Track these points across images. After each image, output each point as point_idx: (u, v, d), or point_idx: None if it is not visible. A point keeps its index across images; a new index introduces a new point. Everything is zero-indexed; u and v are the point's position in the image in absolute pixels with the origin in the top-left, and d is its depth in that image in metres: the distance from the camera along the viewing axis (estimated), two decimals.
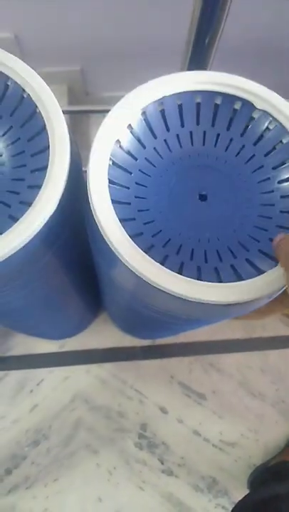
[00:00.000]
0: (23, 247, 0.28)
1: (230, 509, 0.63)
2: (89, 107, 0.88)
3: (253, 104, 0.34)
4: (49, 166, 0.28)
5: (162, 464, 0.77)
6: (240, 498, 0.63)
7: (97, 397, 0.80)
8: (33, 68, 0.31)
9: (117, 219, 0.30)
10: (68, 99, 1.06)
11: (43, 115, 0.29)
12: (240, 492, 0.72)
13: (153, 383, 0.82)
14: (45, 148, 0.29)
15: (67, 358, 0.82)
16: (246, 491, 0.74)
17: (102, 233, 0.29)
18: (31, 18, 0.80)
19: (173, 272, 0.29)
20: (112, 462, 0.76)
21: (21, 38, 0.83)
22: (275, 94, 0.33)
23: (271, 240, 0.32)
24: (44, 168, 0.29)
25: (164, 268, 0.29)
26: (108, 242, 0.29)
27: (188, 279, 0.29)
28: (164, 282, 0.29)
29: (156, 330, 0.55)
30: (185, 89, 0.33)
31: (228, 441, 0.79)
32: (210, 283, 0.29)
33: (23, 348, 0.82)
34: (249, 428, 0.80)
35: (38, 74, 0.31)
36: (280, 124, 0.34)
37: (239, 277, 0.31)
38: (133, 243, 0.29)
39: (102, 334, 0.84)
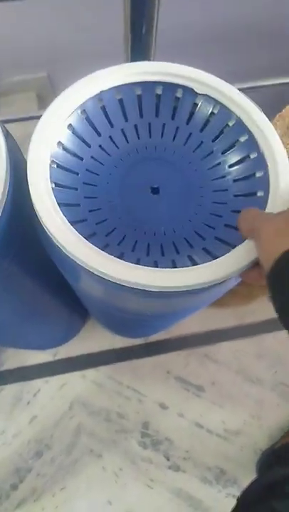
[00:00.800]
0: None
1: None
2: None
3: (193, 89, 0.33)
4: None
5: (168, 460, 0.77)
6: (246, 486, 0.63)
7: (96, 401, 0.80)
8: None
9: (66, 222, 0.29)
10: (38, 106, 1.06)
11: None
12: (249, 479, 0.72)
13: (150, 381, 0.81)
14: None
15: (62, 366, 0.82)
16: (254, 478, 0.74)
17: (53, 239, 0.29)
18: None
19: (132, 264, 0.28)
20: (117, 464, 0.76)
21: None
22: (214, 77, 0.32)
23: (226, 225, 0.32)
24: None
25: (123, 261, 0.28)
26: (61, 247, 0.29)
27: (148, 267, 0.29)
28: (124, 276, 0.28)
29: (139, 328, 0.55)
30: (122, 82, 0.33)
31: (232, 429, 0.79)
32: (166, 269, 0.28)
33: (15, 361, 0.82)
34: (251, 414, 0.80)
35: (5, 83, 0.30)
36: (224, 106, 0.33)
37: None
38: (87, 242, 0.29)
39: (94, 338, 0.84)
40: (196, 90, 0.33)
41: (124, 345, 0.83)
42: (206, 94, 0.33)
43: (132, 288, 0.29)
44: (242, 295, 0.71)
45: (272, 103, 0.40)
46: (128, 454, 0.77)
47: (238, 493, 0.75)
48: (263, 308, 0.87)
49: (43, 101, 1.04)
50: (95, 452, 0.76)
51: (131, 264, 0.28)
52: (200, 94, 0.33)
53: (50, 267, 0.42)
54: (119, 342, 0.83)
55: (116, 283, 0.28)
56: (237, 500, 0.62)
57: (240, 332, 0.86)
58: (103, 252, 0.29)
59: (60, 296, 0.54)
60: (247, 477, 0.76)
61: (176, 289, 0.29)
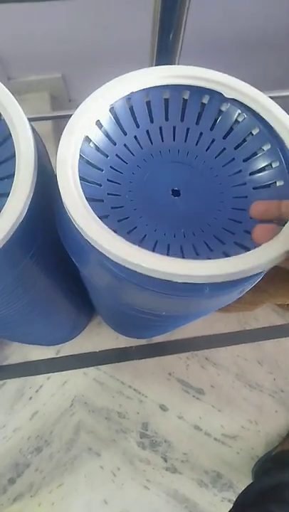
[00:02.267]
0: None
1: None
2: (70, 111, 0.88)
3: (222, 93, 0.34)
4: (16, 173, 0.28)
5: (166, 461, 0.77)
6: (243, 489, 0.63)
7: (97, 400, 0.80)
8: (13, 77, 0.31)
9: (94, 215, 0.30)
10: (51, 106, 1.06)
11: (7, 122, 0.29)
12: (244, 484, 0.72)
13: (151, 382, 0.82)
14: (12, 156, 0.29)
15: (65, 363, 0.82)
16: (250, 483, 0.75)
17: (80, 231, 0.29)
18: (8, 26, 0.80)
19: (152, 252, 0.29)
20: (115, 463, 0.77)
21: None
22: (243, 83, 0.33)
23: (246, 231, 0.33)
24: (11, 176, 0.29)
25: (141, 249, 0.28)
26: (91, 241, 0.29)
27: (170, 257, 0.29)
28: (148, 263, 0.28)
29: (146, 329, 0.55)
30: (152, 85, 0.33)
31: (230, 434, 0.80)
32: (190, 260, 0.29)
33: (19, 356, 0.82)
34: (249, 420, 0.81)
35: (20, 82, 0.31)
36: (252, 112, 0.34)
37: None
38: (114, 234, 0.29)
39: (98, 337, 0.84)
40: (224, 94, 0.34)
41: (127, 345, 0.84)
42: (233, 99, 0.34)
43: (160, 280, 0.28)
44: (246, 301, 0.72)
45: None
46: (126, 453, 0.77)
47: (233, 498, 0.76)
48: (266, 315, 0.87)
49: (57, 101, 1.05)
50: (94, 450, 0.77)
51: (160, 255, 0.28)
52: (228, 98, 0.34)
53: (65, 265, 0.42)
54: (123, 342, 0.84)
55: (145, 275, 0.28)
56: (234, 503, 0.63)
57: (242, 337, 0.86)
58: (134, 244, 0.29)
59: (70, 294, 0.54)
60: (243, 482, 0.77)
61: (201, 280, 0.28)
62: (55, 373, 0.81)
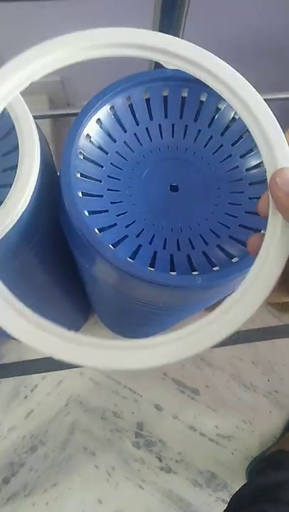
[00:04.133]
0: None
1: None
2: (67, 110, 0.89)
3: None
4: (19, 165, 0.29)
5: (160, 461, 0.77)
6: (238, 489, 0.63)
7: (92, 399, 0.80)
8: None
9: (87, 211, 0.31)
10: (50, 109, 1.07)
11: (11, 115, 0.30)
12: (239, 484, 0.72)
13: (146, 381, 0.82)
14: (15, 148, 0.30)
15: (60, 362, 0.81)
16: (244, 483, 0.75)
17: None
18: (6, 27, 0.80)
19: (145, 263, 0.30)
20: (110, 463, 0.77)
21: None
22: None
23: (241, 225, 0.33)
24: (15, 167, 0.29)
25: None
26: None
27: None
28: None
29: (143, 325, 0.56)
30: (149, 84, 0.34)
31: (224, 434, 0.80)
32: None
33: (15, 355, 0.82)
34: (244, 420, 0.81)
35: None
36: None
37: (211, 262, 0.32)
38: (106, 234, 0.30)
39: (94, 336, 0.84)
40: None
41: None
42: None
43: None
44: None
45: (284, 116, 0.42)
46: (121, 453, 0.77)
47: (227, 498, 0.76)
48: (261, 316, 0.88)
49: (55, 105, 1.06)
50: (89, 450, 0.77)
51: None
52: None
53: (64, 260, 0.43)
54: None
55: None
56: (228, 503, 0.63)
57: (237, 338, 0.87)
58: (120, 245, 0.30)
59: (68, 291, 0.55)
60: (237, 482, 0.77)
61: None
62: (51, 372, 0.81)
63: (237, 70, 0.27)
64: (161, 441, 0.79)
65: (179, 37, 0.27)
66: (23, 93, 0.32)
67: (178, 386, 0.82)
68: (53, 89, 1.02)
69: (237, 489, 0.65)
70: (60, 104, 1.07)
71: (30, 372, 0.81)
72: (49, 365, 0.82)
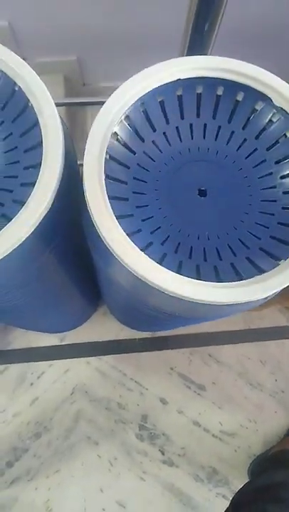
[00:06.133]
0: (19, 246, 0.27)
1: (231, 498, 0.63)
2: (85, 98, 0.86)
3: (256, 90, 0.32)
4: (42, 163, 0.27)
5: (163, 454, 0.78)
6: (240, 487, 0.63)
7: (98, 389, 0.80)
8: (27, 58, 0.30)
9: (113, 216, 0.29)
10: (65, 89, 1.04)
11: (36, 109, 0.28)
12: (240, 481, 0.73)
13: (153, 375, 0.82)
14: (39, 144, 0.28)
15: (68, 351, 0.82)
16: (246, 480, 0.75)
17: (98, 231, 0.28)
18: (26, 5, 0.77)
19: (171, 272, 0.28)
20: (112, 453, 0.77)
21: (15, 26, 0.80)
22: (280, 80, 0.32)
23: (272, 237, 0.32)
24: (38, 165, 0.28)
25: (162, 267, 0.28)
26: (104, 241, 0.29)
27: (188, 279, 0.29)
28: (161, 282, 0.28)
29: (154, 325, 0.55)
30: (185, 76, 0.32)
31: (228, 431, 0.80)
32: (210, 282, 0.28)
33: (23, 342, 0.82)
34: (248, 418, 0.81)
35: (34, 64, 0.29)
36: (286, 112, 0.32)
37: (239, 276, 0.30)
38: (130, 242, 0.29)
39: (102, 327, 0.84)
40: (261, 91, 0.32)
41: (131, 337, 0.84)
42: (268, 97, 0.32)
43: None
44: None
45: None
46: (124, 444, 0.78)
47: (228, 494, 0.77)
48: (272, 316, 0.87)
49: (70, 84, 1.03)
50: (92, 439, 0.77)
51: (172, 273, 0.28)
52: (262, 94, 0.32)
53: (81, 259, 0.42)
54: (127, 333, 0.84)
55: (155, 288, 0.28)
56: (230, 501, 0.63)
57: (247, 336, 0.86)
58: (144, 254, 0.29)
59: (81, 287, 0.54)
60: (238, 479, 0.77)
61: (216, 303, 0.28)
62: (58, 361, 0.81)
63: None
64: (165, 435, 0.79)
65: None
66: (39, 72, 0.30)
67: (184, 381, 0.82)
68: (68, 69, 0.99)
69: (238, 486, 0.65)
70: (75, 83, 1.03)
71: (37, 359, 0.81)
72: (57, 353, 0.82)
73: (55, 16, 0.80)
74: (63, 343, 0.82)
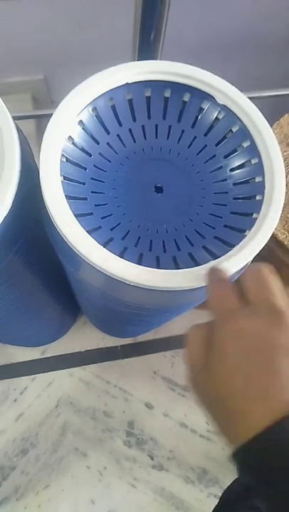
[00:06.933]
0: None
1: None
2: (53, 110, 0.88)
3: (201, 91, 0.34)
4: None
5: (152, 459, 0.78)
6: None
7: (82, 400, 0.80)
8: None
9: (72, 214, 0.30)
10: (33, 108, 1.05)
11: None
12: (229, 479, 0.73)
13: (137, 380, 0.82)
14: None
15: (50, 364, 0.82)
16: (235, 477, 0.76)
17: (57, 230, 0.30)
18: None
19: (131, 263, 0.30)
20: (102, 463, 0.76)
21: None
22: (222, 80, 0.34)
23: (226, 226, 0.34)
24: None
25: (123, 259, 0.30)
26: (65, 239, 0.30)
27: (148, 268, 0.30)
28: (123, 274, 0.29)
29: (131, 325, 0.56)
30: (133, 80, 0.34)
31: (215, 430, 0.80)
32: (168, 270, 0.30)
33: (3, 358, 0.81)
34: None
35: (2, 84, 0.30)
36: (230, 111, 0.35)
37: (196, 263, 0.32)
38: (91, 238, 0.30)
39: (83, 337, 0.84)
40: (206, 92, 0.34)
41: (113, 344, 0.84)
42: (212, 97, 0.34)
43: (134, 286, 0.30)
44: None
45: (270, 112, 0.42)
46: (113, 453, 0.77)
47: (219, 493, 0.77)
48: None
49: (39, 103, 1.05)
50: (80, 451, 0.77)
51: (132, 263, 0.30)
52: (206, 93, 0.35)
53: (50, 262, 0.43)
54: (108, 341, 0.84)
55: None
56: (220, 498, 0.64)
57: None
58: (105, 248, 0.30)
59: (56, 292, 0.55)
60: (228, 477, 0.78)
61: (177, 289, 0.30)
62: (40, 374, 0.81)
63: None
64: (153, 439, 0.79)
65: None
66: (6, 92, 0.32)
67: (168, 384, 0.82)
68: (36, 88, 1.01)
69: (228, 484, 0.65)
70: (43, 102, 1.06)
71: (19, 374, 0.80)
72: (39, 367, 0.81)
73: (18, 35, 0.82)
74: (45, 356, 0.82)
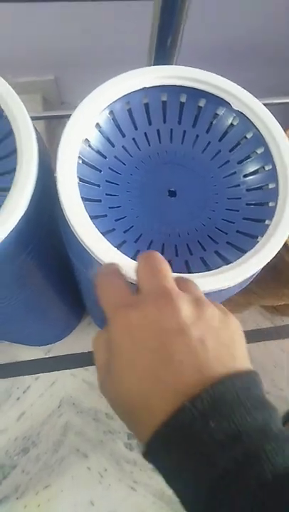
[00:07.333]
0: None
1: None
2: (63, 112, 0.89)
3: (217, 97, 0.35)
4: (17, 168, 0.29)
5: None
6: None
7: (85, 400, 0.80)
8: (5, 78, 0.31)
9: (87, 216, 0.31)
10: (43, 108, 1.06)
11: (9, 118, 0.30)
12: None
13: None
14: (13, 152, 0.30)
15: (53, 364, 0.82)
16: None
17: (72, 230, 0.30)
18: (2, 28, 0.80)
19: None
20: (102, 465, 0.76)
21: None
22: (238, 87, 0.34)
23: (238, 232, 0.34)
24: (13, 171, 0.29)
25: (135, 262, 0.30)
26: (79, 240, 0.30)
27: None
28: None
29: None
30: (150, 84, 0.34)
31: None
32: (180, 274, 0.30)
33: (7, 357, 0.82)
34: None
35: (12, 84, 0.31)
36: (245, 117, 0.35)
37: (208, 268, 0.32)
38: (105, 240, 0.30)
39: (87, 338, 0.84)
40: (221, 97, 0.35)
41: None
42: (227, 103, 0.35)
43: None
44: (237, 303, 0.73)
45: (284, 118, 0.43)
46: (114, 455, 0.77)
47: None
48: (253, 318, 0.89)
49: (49, 103, 1.05)
50: (82, 452, 0.77)
51: None
52: (221, 99, 0.35)
53: (60, 262, 0.43)
54: None
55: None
56: None
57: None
58: (119, 250, 0.30)
59: (63, 293, 0.55)
60: None
61: None
62: (44, 374, 0.81)
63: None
64: None
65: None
66: (17, 92, 0.32)
67: None
68: (46, 88, 1.02)
69: None
70: (54, 102, 1.06)
71: (23, 373, 0.80)
72: (43, 366, 0.81)
73: (30, 36, 0.83)
74: (49, 356, 0.82)
